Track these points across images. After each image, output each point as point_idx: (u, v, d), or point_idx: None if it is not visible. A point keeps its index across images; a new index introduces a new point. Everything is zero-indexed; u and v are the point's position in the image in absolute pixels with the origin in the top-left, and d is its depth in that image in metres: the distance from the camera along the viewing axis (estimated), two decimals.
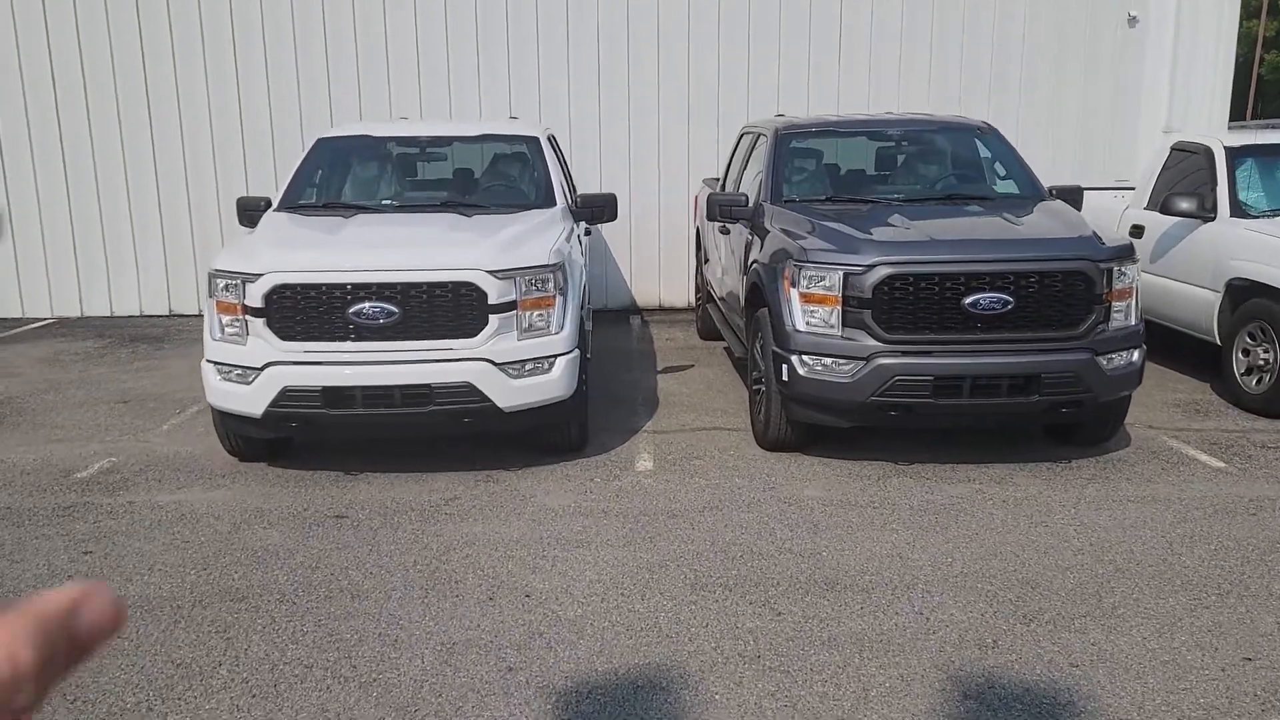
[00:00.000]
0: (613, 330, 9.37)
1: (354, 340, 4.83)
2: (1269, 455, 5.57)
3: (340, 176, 6.46)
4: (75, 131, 9.84)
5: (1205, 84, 10.55)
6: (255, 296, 4.82)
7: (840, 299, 5.11)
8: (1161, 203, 7.31)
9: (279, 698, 3.14)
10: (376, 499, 4.93)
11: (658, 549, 4.30)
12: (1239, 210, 6.88)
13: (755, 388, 5.90)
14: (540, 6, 9.86)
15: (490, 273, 4.90)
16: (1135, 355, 5.29)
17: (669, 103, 10.07)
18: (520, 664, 3.33)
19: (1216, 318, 6.82)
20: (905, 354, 5.06)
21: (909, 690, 3.18)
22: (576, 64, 9.98)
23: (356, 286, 4.79)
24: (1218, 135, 7.61)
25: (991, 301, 5.01)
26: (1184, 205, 7.08)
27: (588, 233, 7.11)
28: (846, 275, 5.09)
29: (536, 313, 5.11)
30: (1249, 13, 25.44)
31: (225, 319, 4.95)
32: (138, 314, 10.19)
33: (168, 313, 10.24)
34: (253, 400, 4.87)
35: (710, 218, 6.56)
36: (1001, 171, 6.79)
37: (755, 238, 6.15)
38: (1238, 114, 10.96)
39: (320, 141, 6.49)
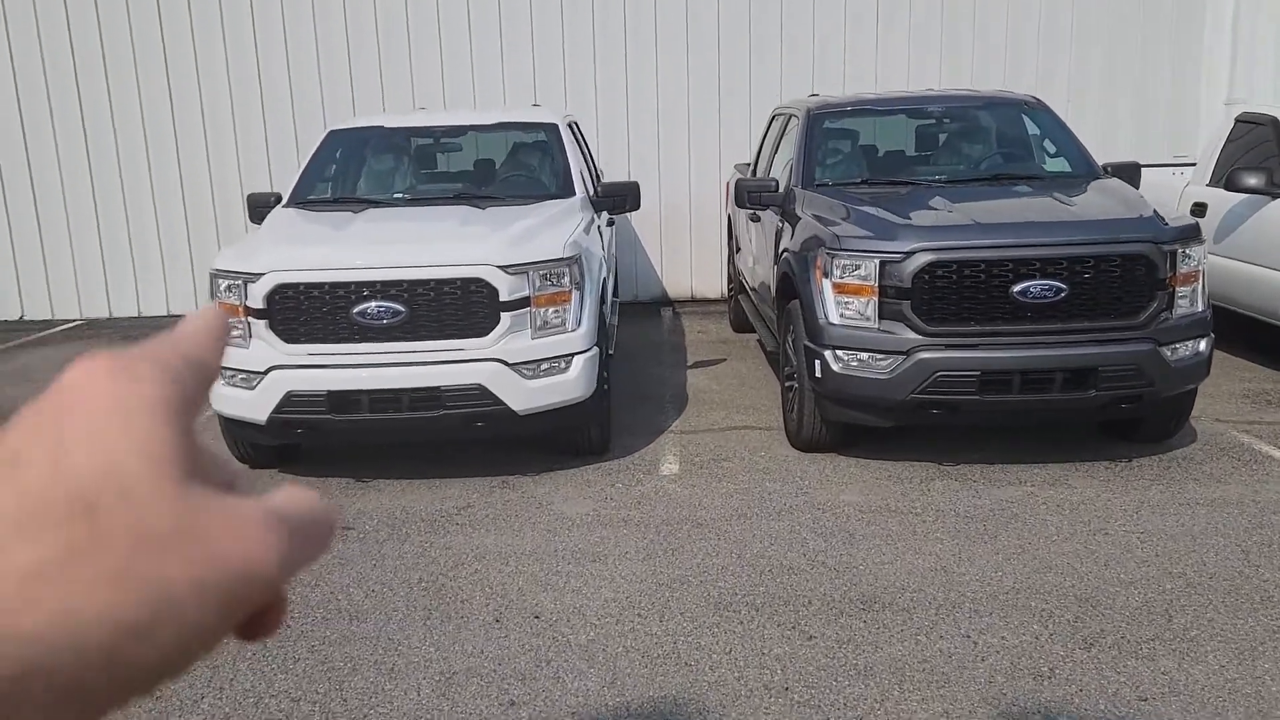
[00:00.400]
0: (643, 323, 9.06)
1: (359, 341, 4.58)
2: None
3: (352, 170, 6.22)
4: (100, 132, 9.75)
5: (1270, 53, 9.93)
6: (256, 297, 4.59)
7: (877, 289, 4.75)
8: (1226, 178, 6.82)
9: None
10: (386, 508, 4.68)
11: (679, 563, 3.99)
12: None
13: (788, 384, 5.56)
14: None
15: (501, 268, 4.62)
16: (1202, 345, 4.86)
17: (699, 86, 9.72)
18: (523, 697, 3.05)
19: None
20: (948, 347, 4.68)
21: None
22: (603, 48, 9.66)
23: (361, 285, 4.54)
24: None
25: (1043, 289, 4.61)
26: (1250, 181, 6.59)
27: (610, 223, 6.81)
28: (883, 263, 4.72)
29: (552, 309, 4.82)
30: None
31: (229, 321, 4.72)
32: (165, 314, 10.09)
33: None
34: (256, 406, 4.65)
35: (739, 204, 6.22)
36: (1051, 149, 6.35)
37: (786, 225, 5.80)
38: None
39: (332, 134, 6.26)
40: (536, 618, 3.54)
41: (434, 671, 3.20)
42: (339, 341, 4.58)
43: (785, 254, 5.59)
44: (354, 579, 3.92)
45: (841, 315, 4.89)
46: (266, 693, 3.10)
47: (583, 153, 7.06)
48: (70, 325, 9.81)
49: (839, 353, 4.88)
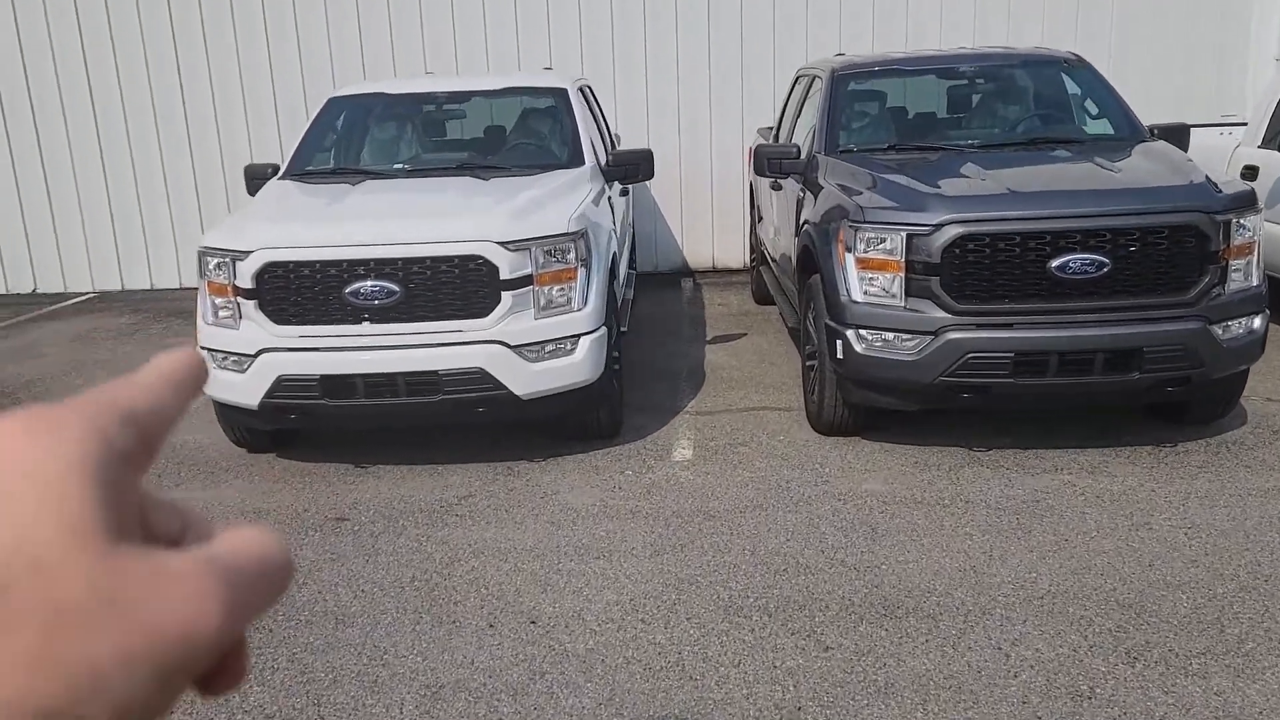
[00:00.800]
0: (662, 295, 8.77)
1: (353, 323, 4.34)
2: None
3: (353, 139, 5.95)
4: (108, 104, 9.55)
5: None
6: (245, 276, 4.35)
7: (903, 264, 4.43)
8: None
9: None
10: (384, 497, 4.47)
11: (689, 560, 3.74)
12: None
13: (808, 363, 5.27)
14: None
15: (501, 244, 4.35)
16: (1256, 322, 4.50)
17: (721, 46, 9.32)
18: (514, 714, 2.83)
19: None
20: (980, 327, 4.36)
21: None
22: (620, 6, 9.28)
23: (353, 263, 4.29)
24: None
25: (1083, 264, 4.27)
26: None
27: (625, 193, 6.50)
28: (910, 237, 4.40)
29: (556, 287, 4.55)
30: None
31: (218, 301, 4.51)
32: (177, 287, 9.93)
33: None
34: (247, 390, 4.44)
35: (759, 172, 5.89)
36: (1093, 110, 5.95)
37: (808, 194, 5.47)
38: None
39: (331, 101, 5.99)
40: (533, 623, 3.31)
41: (419, 685, 2.98)
42: (332, 323, 4.35)
43: (806, 225, 5.27)
44: (344, 577, 3.70)
45: (865, 292, 4.58)
46: (239, 709, 2.90)
47: (596, 119, 6.75)
48: (83, 298, 9.68)
49: (862, 332, 4.57)
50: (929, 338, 4.41)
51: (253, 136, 9.59)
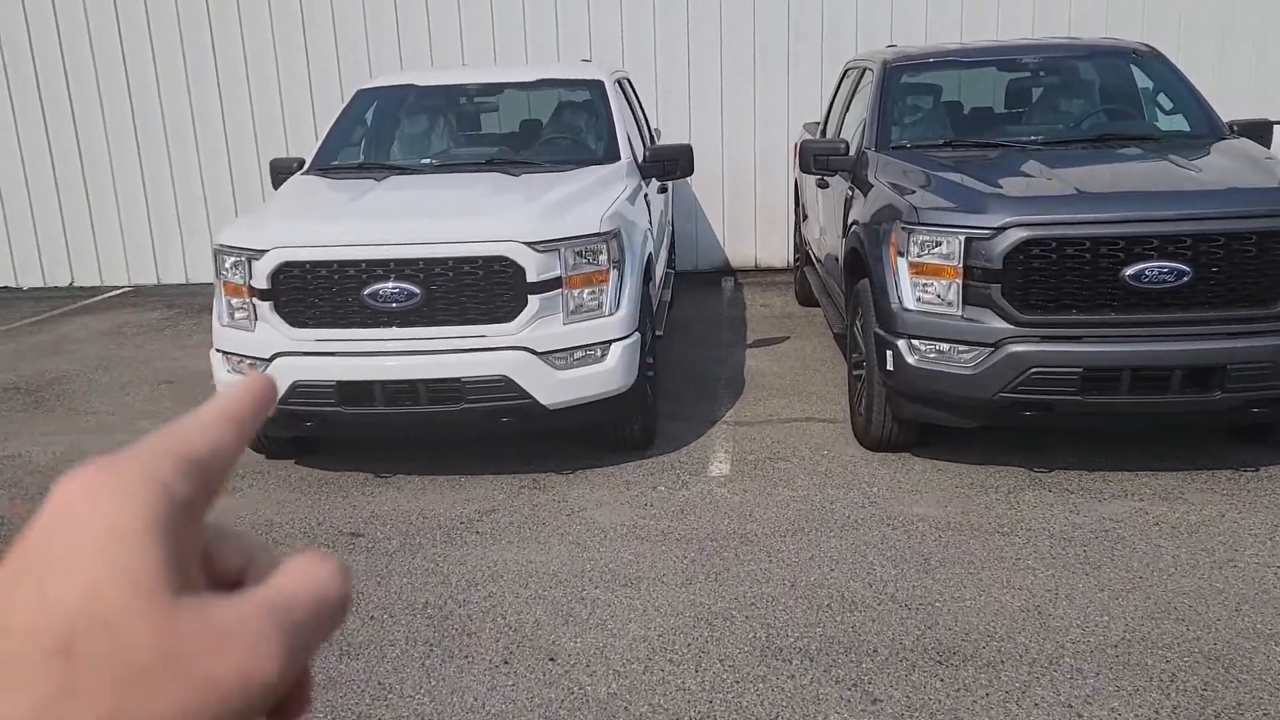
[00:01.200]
0: (702, 295, 8.47)
1: (372, 326, 4.11)
2: None
3: (380, 132, 5.73)
4: (145, 94, 9.47)
5: None
6: (261, 276, 4.14)
7: (961, 270, 4.09)
8: None
9: None
10: (402, 510, 4.23)
11: (723, 591, 3.45)
12: None
13: (855, 373, 4.94)
14: None
15: (529, 244, 4.09)
16: None
17: (766, 39, 8.98)
18: None
19: None
20: (1045, 339, 4.02)
21: None
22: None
23: (372, 264, 4.06)
24: None
25: (1160, 272, 3.91)
26: None
27: (663, 189, 6.21)
28: (969, 240, 4.06)
29: (587, 290, 4.28)
30: None
31: (234, 302, 4.31)
32: (212, 281, 9.83)
33: None
34: None
35: (804, 169, 5.57)
36: (1167, 104, 5.54)
37: (856, 193, 5.14)
38: None
39: (360, 93, 5.77)
40: (552, 660, 3.04)
41: None
42: (349, 326, 4.12)
43: (855, 226, 4.94)
44: (354, 600, 3.47)
45: (919, 299, 4.25)
46: None
47: (634, 112, 6.47)
48: (118, 292, 9.62)
49: (915, 343, 4.24)
50: (988, 350, 4.07)
51: (289, 131, 9.45)
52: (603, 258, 4.32)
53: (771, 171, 9.23)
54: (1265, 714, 2.69)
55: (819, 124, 7.61)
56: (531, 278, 4.10)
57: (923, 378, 4.24)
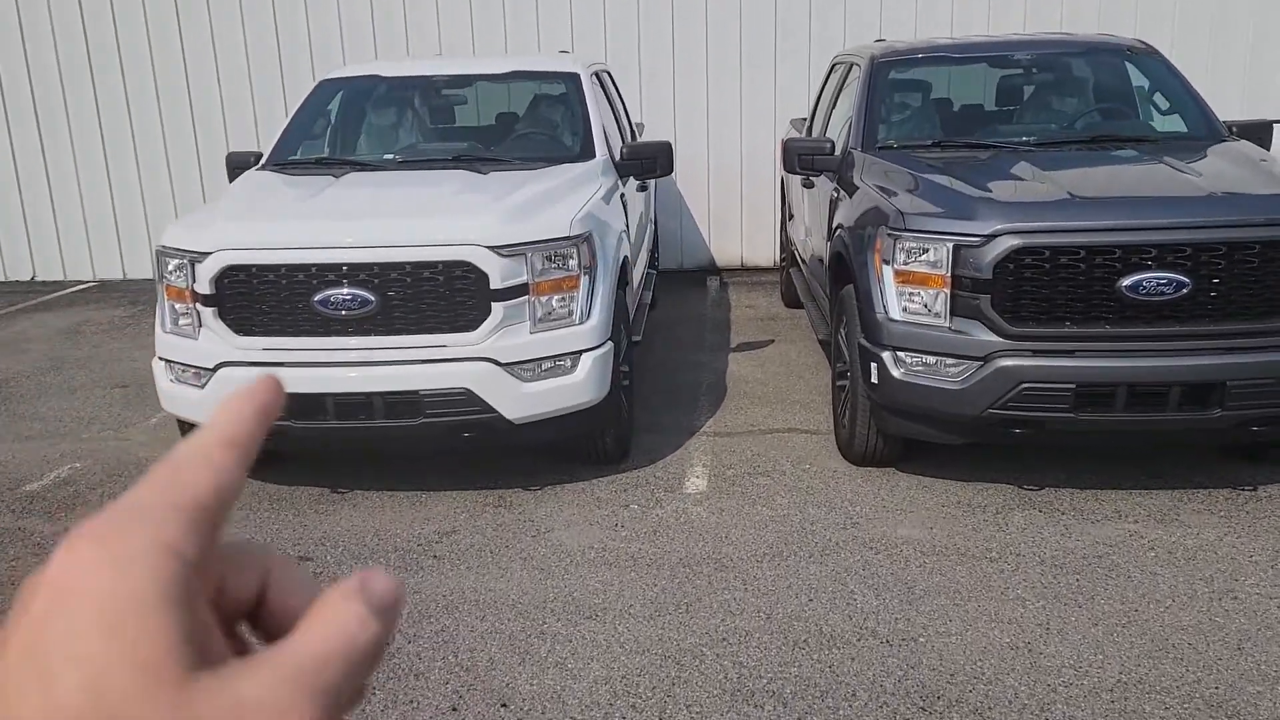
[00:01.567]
0: (685, 295, 8.24)
1: (323, 335, 3.87)
2: None
3: (343, 126, 5.47)
4: (110, 84, 9.16)
5: None
6: (204, 280, 3.89)
7: (949, 279, 3.87)
8: None
9: None
10: (357, 531, 3.99)
11: (693, 624, 3.23)
12: None
13: (839, 383, 4.73)
14: None
15: (492, 249, 3.85)
16: None
17: (753, 32, 8.74)
18: None
19: None
20: (1036, 353, 3.80)
21: None
22: None
23: (323, 268, 3.81)
24: None
25: (1159, 283, 3.69)
26: None
27: (642, 188, 5.98)
28: (957, 248, 3.84)
29: (556, 297, 4.04)
30: None
31: (177, 307, 4.05)
32: None
33: None
34: (206, 408, 3.97)
35: (788, 168, 5.34)
36: (1163, 104, 5.33)
37: (842, 194, 4.92)
38: None
39: (322, 84, 5.51)
40: (504, 706, 2.81)
41: None
42: (299, 335, 3.87)
43: (839, 230, 4.72)
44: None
45: (905, 310, 4.03)
46: None
47: (614, 107, 6.23)
48: (83, 287, 9.32)
49: (900, 355, 4.03)
50: (977, 364, 3.86)
51: (260, 121, 9.15)
52: (573, 263, 4.08)
53: (758, 168, 9.00)
54: None
55: (806, 121, 7.38)
56: (495, 284, 3.86)
57: (908, 392, 4.02)
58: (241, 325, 3.89)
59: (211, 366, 3.93)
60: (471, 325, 3.89)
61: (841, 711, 2.75)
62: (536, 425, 4.06)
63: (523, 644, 3.13)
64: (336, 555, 3.79)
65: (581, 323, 4.10)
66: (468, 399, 3.89)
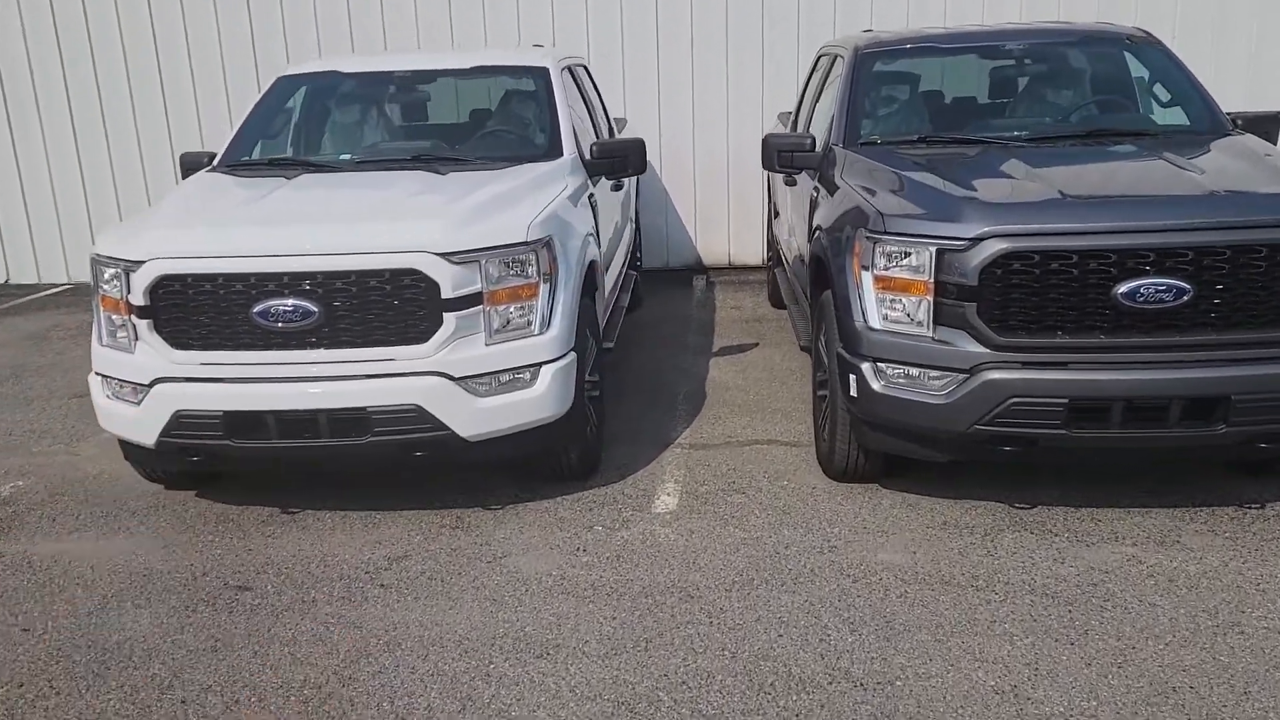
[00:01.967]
0: (670, 295, 8.00)
1: (264, 349, 3.62)
2: None
3: (300, 124, 5.22)
4: (83, 84, 8.90)
5: None
6: (138, 291, 3.64)
7: (932, 285, 3.62)
8: None
9: None
10: (302, 556, 3.75)
11: (653, 664, 2.98)
12: None
13: (820, 393, 4.47)
14: None
15: (442, 256, 3.60)
16: None
17: (739, 22, 8.47)
18: None
19: None
20: (1026, 365, 3.54)
21: None
22: None
23: (262, 277, 3.56)
24: None
25: (1158, 290, 3.44)
26: None
27: (618, 187, 5.72)
28: (941, 252, 3.58)
29: (514, 307, 3.79)
30: None
31: (114, 319, 3.81)
32: None
33: None
34: (142, 426, 3.73)
35: (766, 165, 5.08)
36: (1164, 95, 5.07)
37: (822, 193, 4.66)
38: None
39: (280, 81, 5.25)
40: None
41: None
42: (238, 348, 3.62)
43: (818, 232, 4.46)
44: (220, 678, 2.98)
45: (885, 317, 3.77)
46: None
47: (588, 103, 5.97)
48: (57, 290, 9.08)
49: (881, 366, 3.77)
50: (962, 376, 3.60)
51: (235, 120, 8.88)
52: (531, 270, 3.83)
53: (746, 164, 8.72)
54: None
55: (792, 115, 7.11)
56: (447, 293, 3.61)
57: (889, 406, 3.77)
58: (178, 339, 3.64)
59: (147, 382, 3.68)
60: (422, 337, 3.63)
61: None
62: (493, 443, 3.81)
63: (466, 688, 2.88)
64: (278, 584, 3.54)
65: (541, 333, 3.85)
66: (418, 416, 3.64)
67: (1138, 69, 5.32)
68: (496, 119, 5.41)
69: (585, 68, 6.49)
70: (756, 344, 6.55)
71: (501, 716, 2.74)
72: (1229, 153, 4.32)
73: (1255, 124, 4.82)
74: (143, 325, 3.67)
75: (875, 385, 3.77)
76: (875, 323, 3.78)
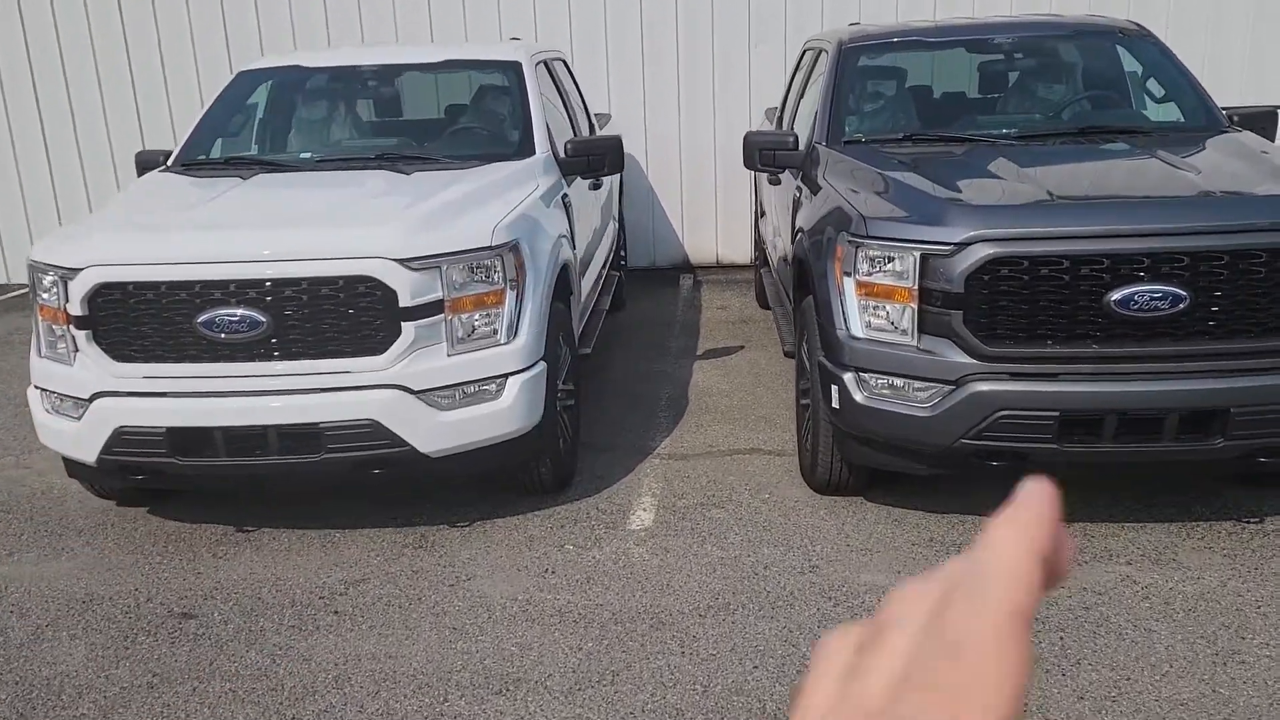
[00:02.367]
0: (657, 294, 7.81)
1: (210, 361, 3.42)
2: None
3: (262, 121, 5.01)
4: (52, 83, 8.67)
5: None
6: (76, 300, 3.44)
7: (916, 292, 3.43)
8: None
9: None
10: (253, 580, 3.55)
11: (619, 700, 2.80)
12: None
13: (803, 402, 4.29)
14: None
15: (400, 262, 3.40)
16: None
17: (725, 17, 8.27)
18: None
19: None
20: (1015, 376, 3.37)
21: None
22: None
23: (207, 286, 3.36)
24: None
25: (1154, 298, 3.26)
26: None
27: (596, 185, 5.52)
28: (926, 257, 3.40)
29: (478, 314, 3.60)
30: None
31: (54, 329, 3.60)
32: None
33: None
34: (82, 443, 3.53)
35: (748, 164, 4.89)
36: (1158, 91, 4.89)
37: (805, 193, 4.48)
38: None
39: (240, 76, 5.04)
40: None
41: None
42: (183, 361, 3.43)
43: (800, 234, 4.28)
44: (155, 717, 2.79)
45: (868, 325, 3.59)
46: None
47: (566, 99, 5.76)
48: (24, 290, 8.84)
49: (864, 376, 3.59)
50: (948, 388, 3.42)
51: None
52: (497, 275, 3.63)
53: (733, 160, 8.45)
54: None
55: (778, 110, 6.92)
56: (405, 301, 3.41)
57: (872, 418, 3.59)
58: (118, 350, 3.44)
59: (87, 397, 3.48)
60: (379, 348, 3.44)
61: None
62: (457, 458, 3.62)
63: None
64: (225, 611, 3.35)
65: (507, 342, 3.66)
66: (375, 431, 3.44)
67: (1131, 63, 5.15)
68: (468, 116, 5.21)
69: (564, 62, 6.29)
70: (742, 347, 6.37)
71: None
72: (1225, 151, 4.15)
73: (1252, 120, 4.65)
74: (82, 336, 3.47)
75: (858, 396, 3.59)
76: (858, 331, 3.60)
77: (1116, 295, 3.26)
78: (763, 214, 6.85)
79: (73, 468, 3.83)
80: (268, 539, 3.86)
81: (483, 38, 8.29)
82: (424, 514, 4.00)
